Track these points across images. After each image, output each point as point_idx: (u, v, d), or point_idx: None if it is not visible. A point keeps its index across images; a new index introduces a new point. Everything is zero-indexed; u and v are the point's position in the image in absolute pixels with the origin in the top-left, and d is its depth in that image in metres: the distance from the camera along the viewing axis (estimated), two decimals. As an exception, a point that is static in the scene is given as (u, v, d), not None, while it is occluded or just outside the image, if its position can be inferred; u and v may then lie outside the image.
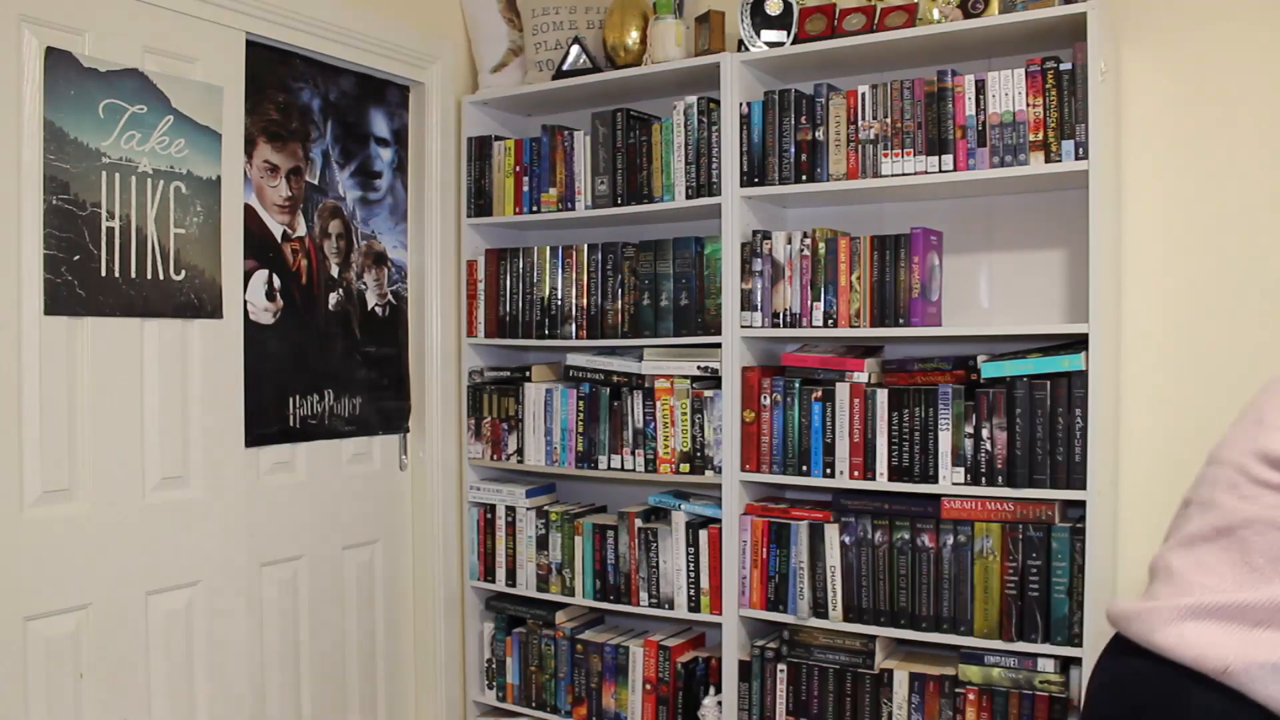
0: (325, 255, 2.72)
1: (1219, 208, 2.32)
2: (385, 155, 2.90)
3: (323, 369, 2.70)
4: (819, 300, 2.46)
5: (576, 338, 2.83)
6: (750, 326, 2.55)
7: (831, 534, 2.43)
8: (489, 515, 2.97)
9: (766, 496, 2.66)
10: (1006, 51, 2.42)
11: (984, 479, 2.26)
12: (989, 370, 2.27)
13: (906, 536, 2.34)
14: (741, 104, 2.55)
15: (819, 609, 2.45)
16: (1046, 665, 2.22)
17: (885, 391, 2.37)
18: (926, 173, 2.33)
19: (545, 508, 2.90)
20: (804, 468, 2.47)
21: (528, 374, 2.95)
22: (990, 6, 2.29)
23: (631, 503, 2.91)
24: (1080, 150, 2.16)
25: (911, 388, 2.35)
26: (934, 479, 2.31)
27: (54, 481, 2.06)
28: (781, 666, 2.50)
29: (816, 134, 2.47)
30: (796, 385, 2.48)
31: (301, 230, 2.64)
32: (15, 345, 1.99)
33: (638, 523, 2.72)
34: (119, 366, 2.17)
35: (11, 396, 1.98)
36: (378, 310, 2.88)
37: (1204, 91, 2.32)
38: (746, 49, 2.56)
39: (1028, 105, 2.22)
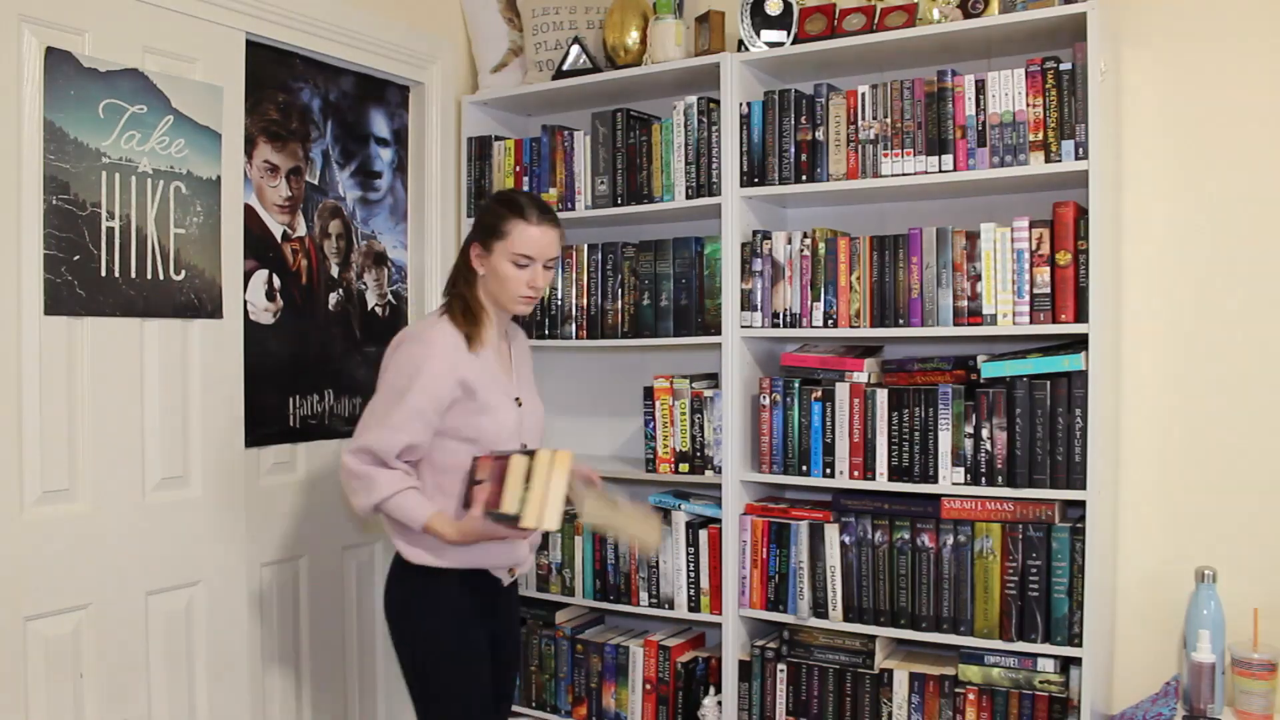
0: (325, 255, 2.72)
1: (1219, 207, 2.32)
2: (385, 155, 2.90)
3: (323, 369, 2.70)
4: (819, 300, 2.46)
5: (576, 338, 2.83)
6: (750, 326, 2.54)
7: (831, 534, 2.43)
8: (489, 515, 2.97)
9: (766, 496, 2.66)
10: (1006, 51, 2.41)
11: (984, 479, 2.26)
12: (989, 370, 2.26)
13: (906, 536, 2.34)
14: (741, 104, 2.55)
15: (819, 609, 2.45)
16: (1046, 665, 2.22)
17: (885, 391, 2.37)
18: (926, 173, 2.33)
19: (545, 508, 2.90)
20: (804, 468, 2.47)
21: (528, 374, 2.94)
22: (990, 6, 2.29)
23: (631, 503, 2.91)
24: (1080, 150, 2.16)
25: (911, 388, 2.35)
26: (934, 479, 2.31)
27: (54, 481, 2.06)
28: (781, 666, 2.50)
29: (816, 134, 2.46)
30: (796, 385, 2.48)
31: (301, 230, 2.64)
32: (15, 345, 1.99)
33: (638, 523, 2.72)
34: (119, 366, 2.17)
35: (11, 396, 1.98)
36: (378, 310, 2.88)
37: (1204, 91, 2.32)
38: (746, 49, 2.56)
39: (1028, 105, 2.22)
